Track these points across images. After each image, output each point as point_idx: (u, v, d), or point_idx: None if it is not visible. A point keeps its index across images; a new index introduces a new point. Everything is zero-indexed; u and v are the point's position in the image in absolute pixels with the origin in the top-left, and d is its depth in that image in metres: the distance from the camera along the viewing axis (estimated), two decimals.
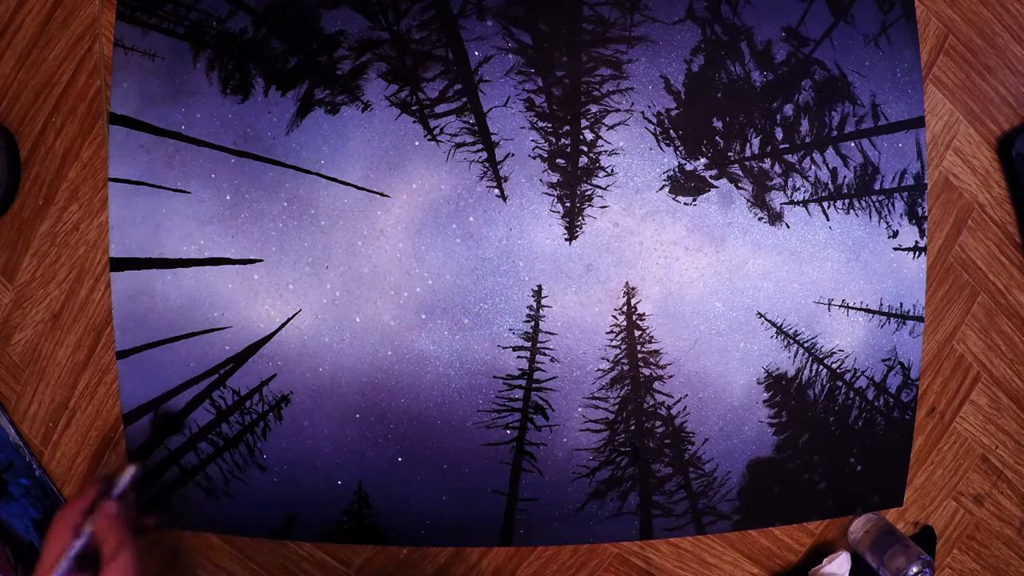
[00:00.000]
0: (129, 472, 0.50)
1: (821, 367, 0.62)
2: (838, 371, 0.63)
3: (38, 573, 0.45)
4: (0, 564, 0.58)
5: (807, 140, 0.61)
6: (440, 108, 0.58)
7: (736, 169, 0.61)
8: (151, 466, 0.58)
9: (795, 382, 0.62)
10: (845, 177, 0.62)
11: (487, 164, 0.59)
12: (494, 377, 0.59)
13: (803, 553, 0.66)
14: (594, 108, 0.59)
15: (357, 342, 0.58)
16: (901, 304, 0.63)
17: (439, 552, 0.63)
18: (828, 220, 0.62)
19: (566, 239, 0.59)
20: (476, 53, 0.58)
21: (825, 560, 0.63)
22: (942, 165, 0.65)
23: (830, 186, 0.62)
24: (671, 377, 0.61)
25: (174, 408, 0.58)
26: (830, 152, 0.62)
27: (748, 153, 0.61)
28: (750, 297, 0.61)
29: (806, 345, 0.62)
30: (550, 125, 0.59)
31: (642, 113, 0.60)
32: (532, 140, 0.59)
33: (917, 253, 0.63)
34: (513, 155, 0.59)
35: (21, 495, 0.59)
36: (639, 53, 0.59)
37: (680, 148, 0.60)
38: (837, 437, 0.63)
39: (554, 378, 0.60)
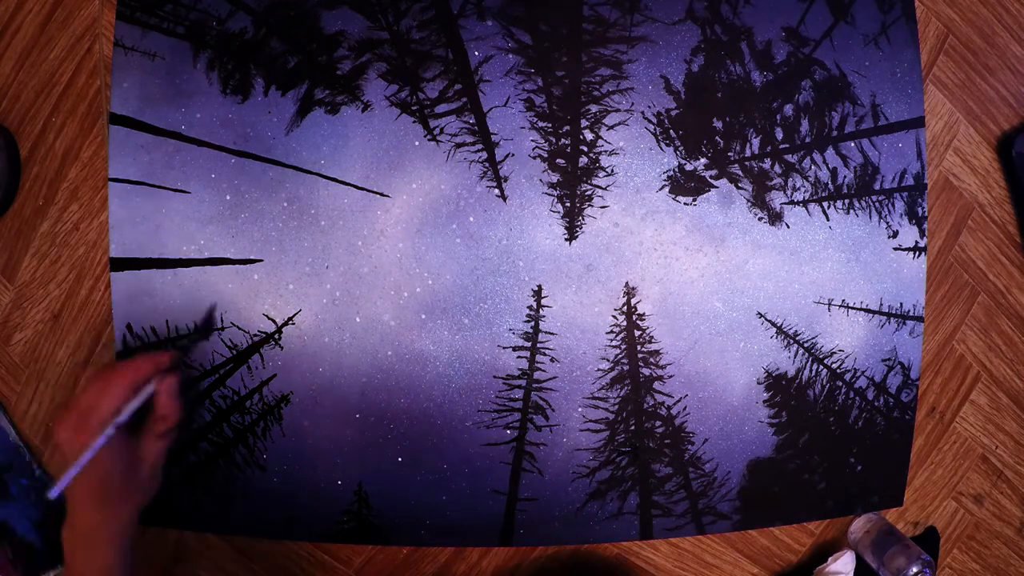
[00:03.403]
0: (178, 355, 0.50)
1: (821, 367, 0.62)
2: (838, 371, 0.63)
3: (88, 420, 0.43)
4: (0, 564, 0.58)
5: (807, 140, 0.61)
6: (440, 108, 0.58)
7: (736, 169, 0.61)
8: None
9: (795, 382, 0.62)
10: (845, 177, 0.62)
11: (487, 164, 0.59)
12: (494, 377, 0.59)
13: (803, 553, 0.66)
14: (594, 108, 0.59)
15: (357, 342, 0.58)
16: (901, 304, 0.63)
17: (439, 552, 0.63)
18: (828, 220, 0.62)
19: (566, 239, 0.59)
20: (476, 53, 0.58)
21: (830, 559, 0.63)
22: (942, 165, 0.65)
23: (830, 186, 0.62)
24: (671, 377, 0.61)
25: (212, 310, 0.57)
26: (830, 152, 0.62)
27: (748, 153, 0.61)
28: (750, 297, 0.61)
29: (806, 345, 0.62)
30: (550, 125, 0.59)
31: (642, 113, 0.60)
32: (532, 140, 0.59)
33: (917, 253, 0.63)
34: (513, 155, 0.59)
35: (21, 495, 0.59)
36: (639, 53, 0.59)
37: (680, 148, 0.60)
38: (837, 437, 0.63)
39: (554, 378, 0.60)
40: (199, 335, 0.57)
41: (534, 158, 0.59)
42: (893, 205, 0.62)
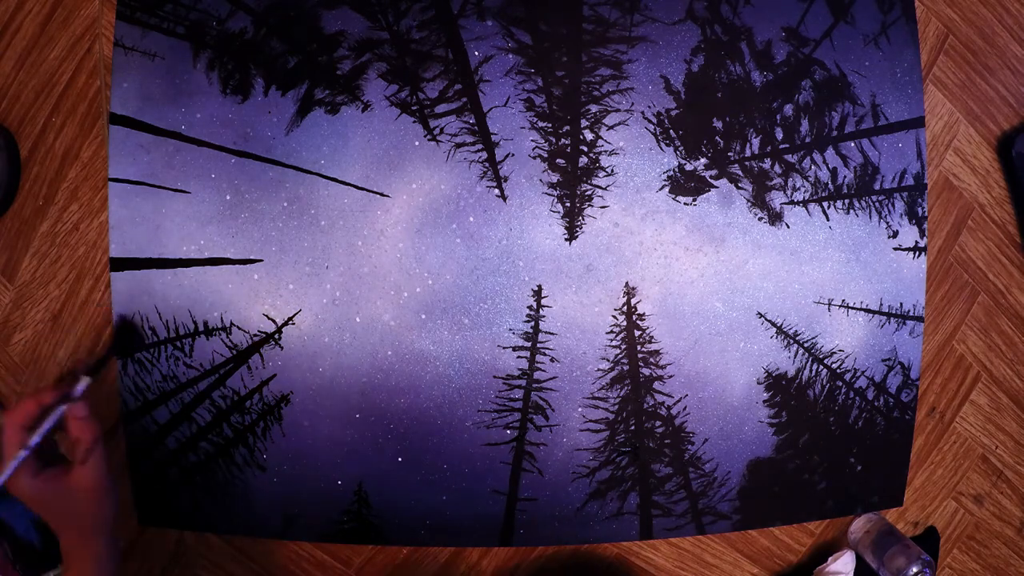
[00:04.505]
0: (84, 382, 0.49)
1: (821, 367, 0.62)
2: (838, 371, 0.63)
3: None
4: (0, 563, 0.58)
5: (807, 140, 0.61)
6: (440, 108, 0.58)
7: (736, 169, 0.61)
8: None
9: (795, 382, 0.62)
10: (845, 177, 0.62)
11: (487, 164, 0.59)
12: (494, 377, 0.59)
13: (803, 553, 0.66)
14: (594, 108, 0.59)
15: (357, 342, 0.58)
16: (901, 304, 0.63)
17: (439, 552, 0.63)
18: (828, 220, 0.62)
19: (566, 239, 0.59)
20: (476, 53, 0.58)
21: (830, 558, 0.63)
22: (942, 165, 0.65)
23: (830, 186, 0.62)
24: (671, 377, 0.61)
25: (132, 323, 0.57)
26: (830, 152, 0.62)
27: (748, 153, 0.61)
28: (750, 297, 0.61)
29: (806, 345, 0.62)
30: (550, 125, 0.59)
31: (642, 113, 0.60)
32: (532, 140, 0.59)
33: (917, 253, 0.63)
34: (513, 155, 0.59)
35: None
36: (639, 53, 0.59)
37: (680, 148, 0.60)
38: (837, 437, 0.63)
39: (554, 378, 0.60)
40: (109, 355, 0.56)
41: (534, 158, 0.59)
42: (893, 205, 0.62)
